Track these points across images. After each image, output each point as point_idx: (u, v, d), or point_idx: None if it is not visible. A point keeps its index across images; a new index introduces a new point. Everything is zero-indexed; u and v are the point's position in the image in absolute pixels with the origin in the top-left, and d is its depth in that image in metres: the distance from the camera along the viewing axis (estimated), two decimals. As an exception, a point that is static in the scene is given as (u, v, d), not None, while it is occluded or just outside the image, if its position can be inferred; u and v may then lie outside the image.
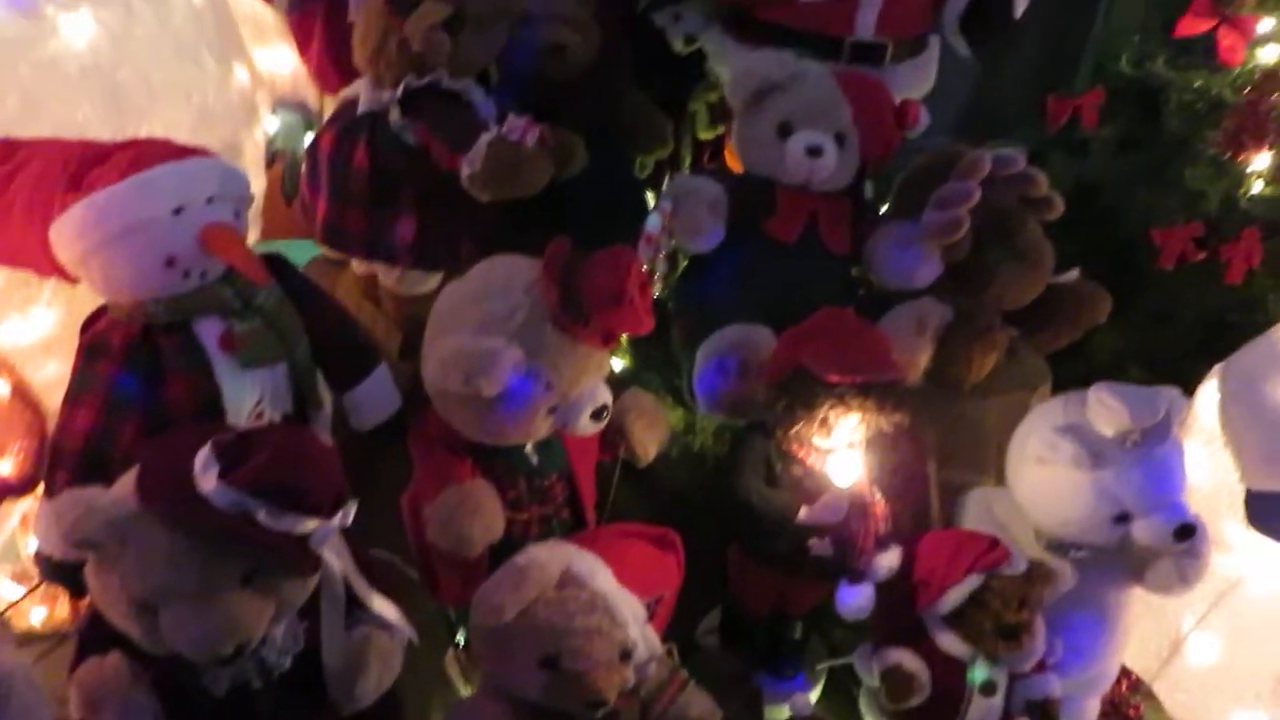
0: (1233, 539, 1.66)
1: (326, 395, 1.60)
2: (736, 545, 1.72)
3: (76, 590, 1.27)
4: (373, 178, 1.75)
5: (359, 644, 1.30)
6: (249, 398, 1.43)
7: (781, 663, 1.81)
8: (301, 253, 2.01)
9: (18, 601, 1.62)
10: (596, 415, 1.46)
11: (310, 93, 2.15)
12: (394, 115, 1.71)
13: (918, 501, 1.84)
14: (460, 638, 1.68)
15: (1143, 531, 1.48)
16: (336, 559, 1.31)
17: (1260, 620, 1.69)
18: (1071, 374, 2.01)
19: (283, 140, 2.14)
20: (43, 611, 1.69)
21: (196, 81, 1.67)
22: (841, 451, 1.51)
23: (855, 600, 1.54)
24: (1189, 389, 1.73)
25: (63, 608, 1.69)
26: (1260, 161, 2.04)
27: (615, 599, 1.30)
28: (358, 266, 2.01)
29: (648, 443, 1.56)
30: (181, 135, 1.60)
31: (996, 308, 1.85)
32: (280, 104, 2.15)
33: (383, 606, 1.36)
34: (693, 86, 2.27)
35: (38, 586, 1.57)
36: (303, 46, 2.09)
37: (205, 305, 1.39)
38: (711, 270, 1.87)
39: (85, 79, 1.50)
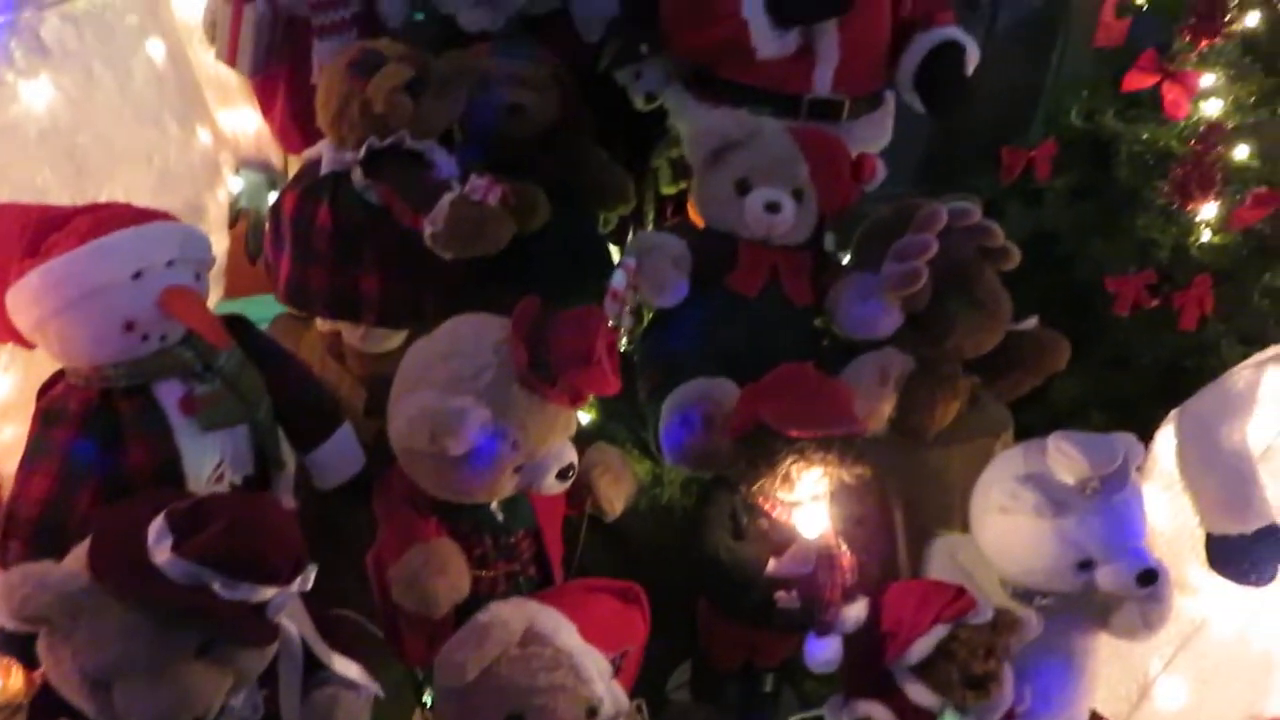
0: (1196, 581, 1.67)
1: (289, 456, 1.59)
2: (705, 599, 1.72)
3: (29, 662, 1.24)
4: (335, 237, 1.75)
5: (326, 705, 1.28)
6: (209, 461, 1.42)
7: (753, 716, 1.80)
8: (266, 310, 2.00)
9: (-31, 673, 1.58)
10: (562, 475, 1.46)
11: (274, 152, 2.17)
12: (357, 176, 1.72)
13: (885, 551, 1.84)
14: (428, 698, 1.66)
15: (1106, 578, 1.49)
16: (295, 622, 1.29)
17: (1226, 662, 1.70)
18: (1033, 420, 2.03)
19: (247, 199, 2.16)
20: (-4, 682, 1.65)
21: (157, 144, 1.68)
22: (807, 504, 1.52)
23: (824, 653, 1.53)
24: (1149, 433, 1.76)
25: (16, 679, 1.64)
26: (1208, 211, 2.10)
27: (580, 655, 1.29)
28: (322, 324, 2.00)
29: (614, 498, 1.56)
30: (142, 198, 1.60)
31: (957, 356, 1.88)
32: (244, 164, 2.16)
33: (345, 666, 1.34)
34: (655, 143, 2.30)
35: (-11, 657, 1.53)
36: (266, 108, 2.11)
37: (165, 368, 1.39)
38: (676, 324, 1.88)
39: (45, 143, 1.51)
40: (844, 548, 1.58)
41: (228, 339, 1.42)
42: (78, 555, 1.15)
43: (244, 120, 2.12)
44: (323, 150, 1.80)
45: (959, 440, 1.90)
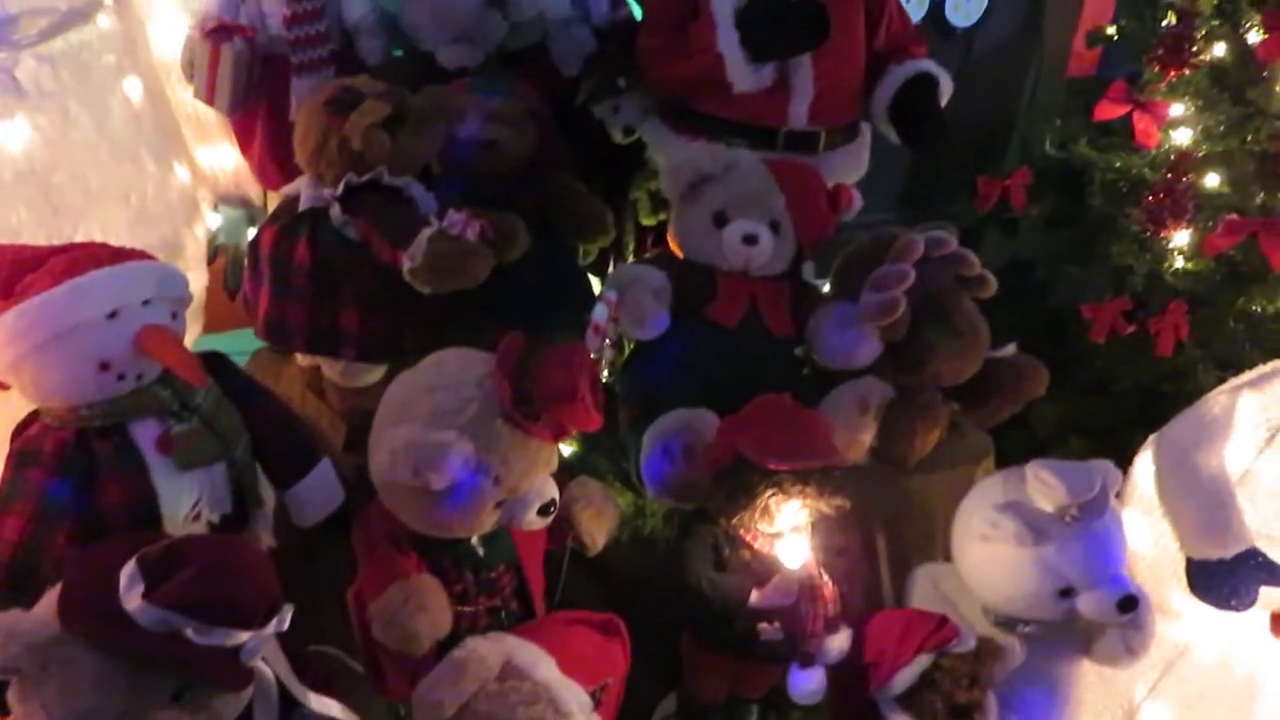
0: (1179, 606, 1.67)
1: (268, 493, 1.58)
2: (689, 630, 1.71)
3: (1, 709, 1.22)
4: (314, 273, 1.75)
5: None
6: (186, 500, 1.41)
7: (739, 749, 1.78)
8: (245, 344, 2.00)
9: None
10: (544, 511, 1.45)
11: (253, 189, 2.17)
12: (335, 212, 1.72)
13: (868, 580, 1.84)
14: (409, 734, 1.64)
15: (1087, 605, 1.49)
16: (270, 663, 1.28)
17: (1210, 687, 1.70)
18: (1014, 446, 2.05)
19: (225, 235, 2.16)
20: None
21: (135, 182, 1.68)
22: (788, 536, 1.52)
23: (807, 684, 1.53)
24: (1128, 458, 1.77)
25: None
26: (1180, 238, 2.12)
27: (559, 689, 1.28)
28: (301, 359, 2.00)
29: (595, 532, 1.56)
30: (119, 236, 1.60)
31: (937, 384, 1.89)
32: (223, 200, 2.17)
33: (323, 705, 1.33)
34: (634, 175, 2.31)
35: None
36: (244, 145, 2.12)
37: (141, 407, 1.38)
38: (656, 355, 1.88)
39: (21, 184, 1.51)
40: (826, 578, 1.58)
41: (205, 377, 1.42)
42: (49, 602, 1.13)
43: (222, 157, 2.13)
44: (301, 186, 1.80)
45: (940, 468, 1.91)
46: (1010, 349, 1.94)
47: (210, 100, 1.96)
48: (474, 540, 1.50)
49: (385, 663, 1.50)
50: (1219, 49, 2.11)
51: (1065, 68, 3.06)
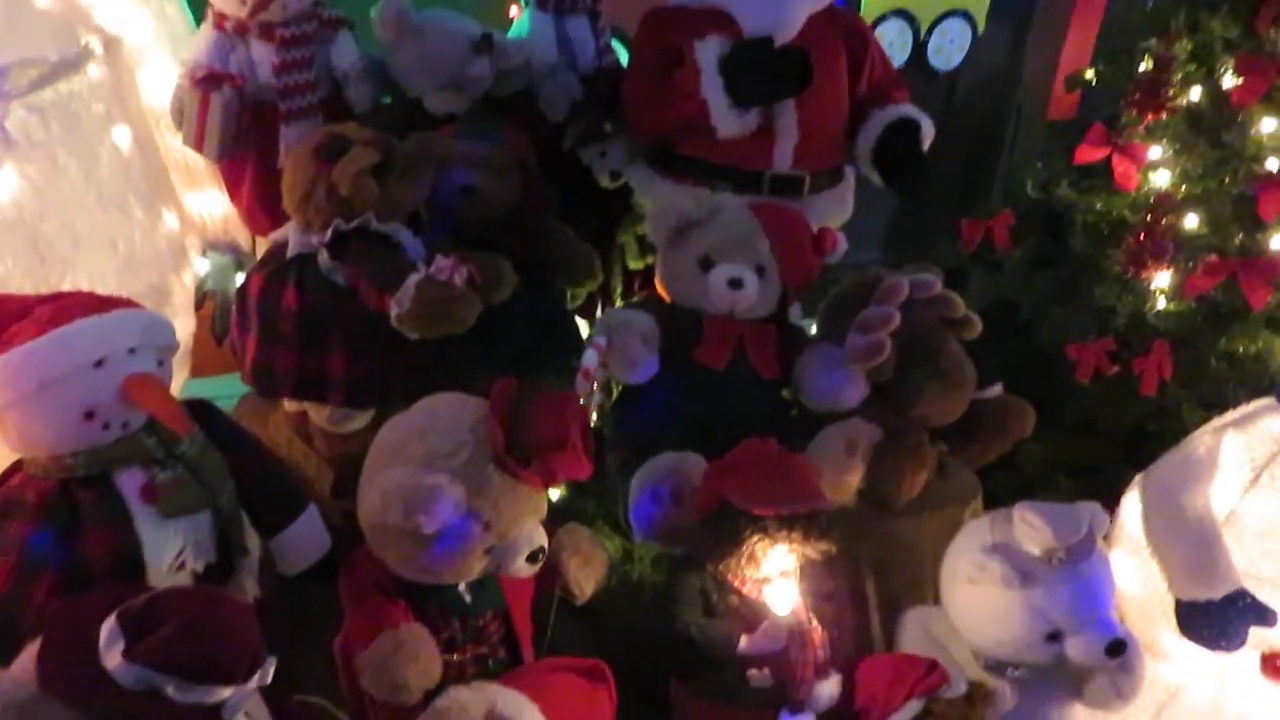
0: (1169, 647, 1.67)
1: (253, 541, 1.57)
2: (677, 677, 1.69)
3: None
4: (301, 318, 1.75)
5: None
6: (170, 549, 1.40)
7: (729, 797, 1.75)
8: (232, 388, 1.99)
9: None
10: (532, 558, 1.45)
11: (241, 234, 2.18)
12: (323, 258, 1.73)
13: (858, 624, 1.83)
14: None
15: (1075, 649, 1.49)
16: (253, 715, 1.26)
17: (1202, 728, 1.69)
18: (1002, 487, 2.05)
19: (213, 281, 2.16)
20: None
21: (122, 229, 1.69)
22: (776, 581, 1.51)
23: (798, 731, 1.52)
24: (1117, 497, 1.77)
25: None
26: (1162, 279, 2.14)
27: (545, 737, 1.27)
28: (289, 404, 1.99)
29: (583, 581, 1.55)
30: (107, 283, 1.61)
31: (924, 425, 1.89)
32: (211, 246, 2.17)
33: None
34: (621, 219, 2.33)
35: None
36: (233, 191, 2.13)
37: (126, 456, 1.37)
38: (644, 398, 1.89)
39: (8, 232, 1.51)
40: (815, 623, 1.57)
41: (190, 425, 1.41)
42: (28, 659, 1.12)
43: (211, 203, 2.14)
44: (289, 232, 1.81)
45: (929, 509, 1.90)
46: (997, 389, 1.95)
47: (199, 148, 1.97)
48: (461, 587, 1.49)
49: (372, 713, 1.48)
50: (1195, 93, 2.14)
51: (1046, 111, 3.12)
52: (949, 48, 3.32)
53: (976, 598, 1.53)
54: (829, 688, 1.52)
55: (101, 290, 1.48)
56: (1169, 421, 2.15)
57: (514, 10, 2.44)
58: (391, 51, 2.12)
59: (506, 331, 1.85)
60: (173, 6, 1.98)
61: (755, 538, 1.46)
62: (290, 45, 1.97)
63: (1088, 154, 2.18)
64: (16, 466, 1.39)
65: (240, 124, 1.98)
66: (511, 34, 2.32)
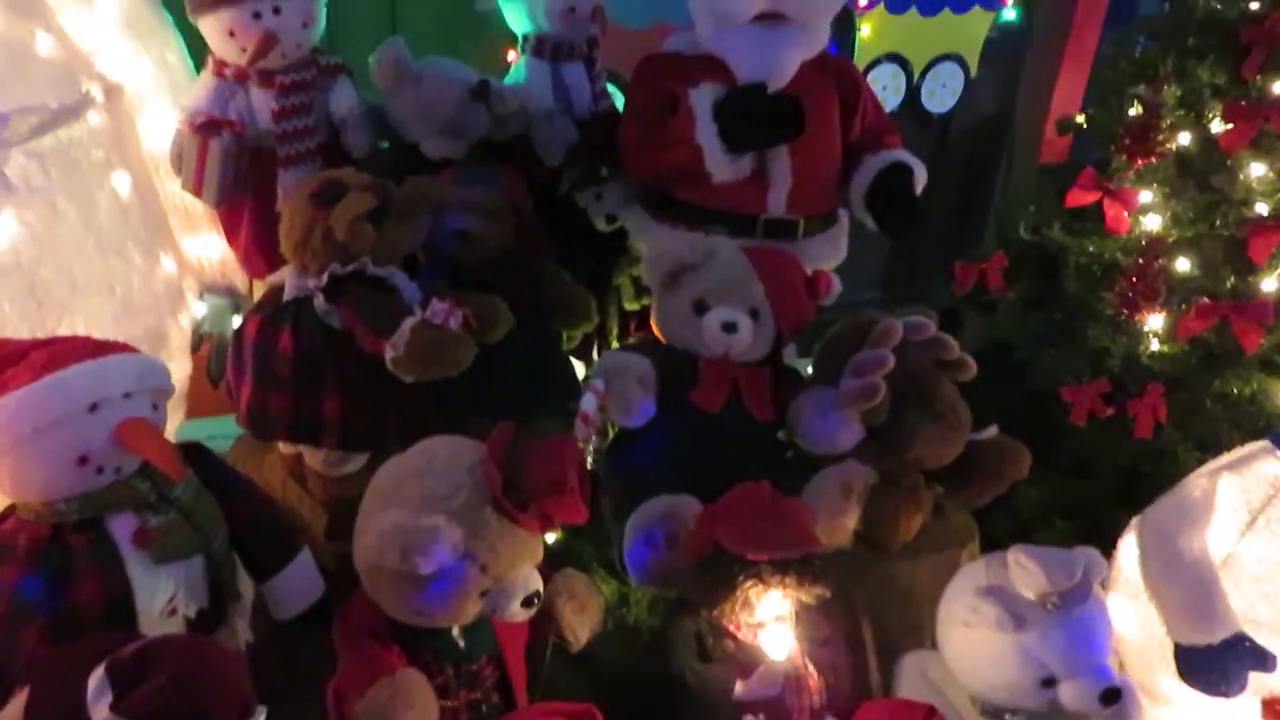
0: (1168, 692, 1.66)
1: (246, 585, 1.56)
2: (674, 723, 1.68)
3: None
4: (297, 362, 1.76)
5: None
6: (162, 594, 1.39)
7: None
8: (228, 429, 1.99)
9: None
10: (528, 602, 1.45)
11: (239, 277, 2.19)
12: (319, 301, 1.73)
13: (855, 668, 1.82)
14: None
15: (1069, 695, 1.47)
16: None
17: (1204, 775, 1.67)
18: (999, 528, 2.04)
19: (210, 324, 2.17)
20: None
21: (120, 274, 1.70)
22: (771, 626, 1.50)
23: (795, 778, 1.50)
24: (1114, 538, 1.77)
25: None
26: (1155, 321, 2.15)
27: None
28: (284, 446, 1.99)
29: (578, 628, 1.55)
30: (104, 327, 1.61)
31: (919, 468, 1.89)
32: (209, 289, 2.18)
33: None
34: (617, 261, 2.35)
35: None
36: (231, 235, 2.14)
37: (119, 501, 1.37)
38: (640, 441, 1.88)
39: (6, 277, 1.52)
40: (811, 668, 1.57)
41: (184, 469, 1.41)
42: (15, 709, 1.11)
43: (209, 246, 2.15)
44: (286, 276, 1.82)
45: (925, 552, 1.90)
46: (992, 431, 1.95)
47: (198, 193, 1.99)
48: (455, 632, 1.49)
49: (365, 759, 1.47)
50: (1184, 138, 2.16)
51: (1038, 154, 3.15)
52: (942, 91, 3.37)
53: (971, 641, 1.52)
54: (825, 734, 1.51)
55: (98, 334, 1.48)
56: (1165, 463, 2.15)
57: (511, 54, 2.47)
58: (389, 97, 2.14)
59: (502, 374, 1.86)
60: (174, 54, 2.01)
61: (749, 583, 1.45)
62: (289, 92, 2.00)
63: (1079, 198, 2.20)
64: (9, 511, 1.39)
65: (239, 169, 2.00)
66: (508, 80, 2.35)
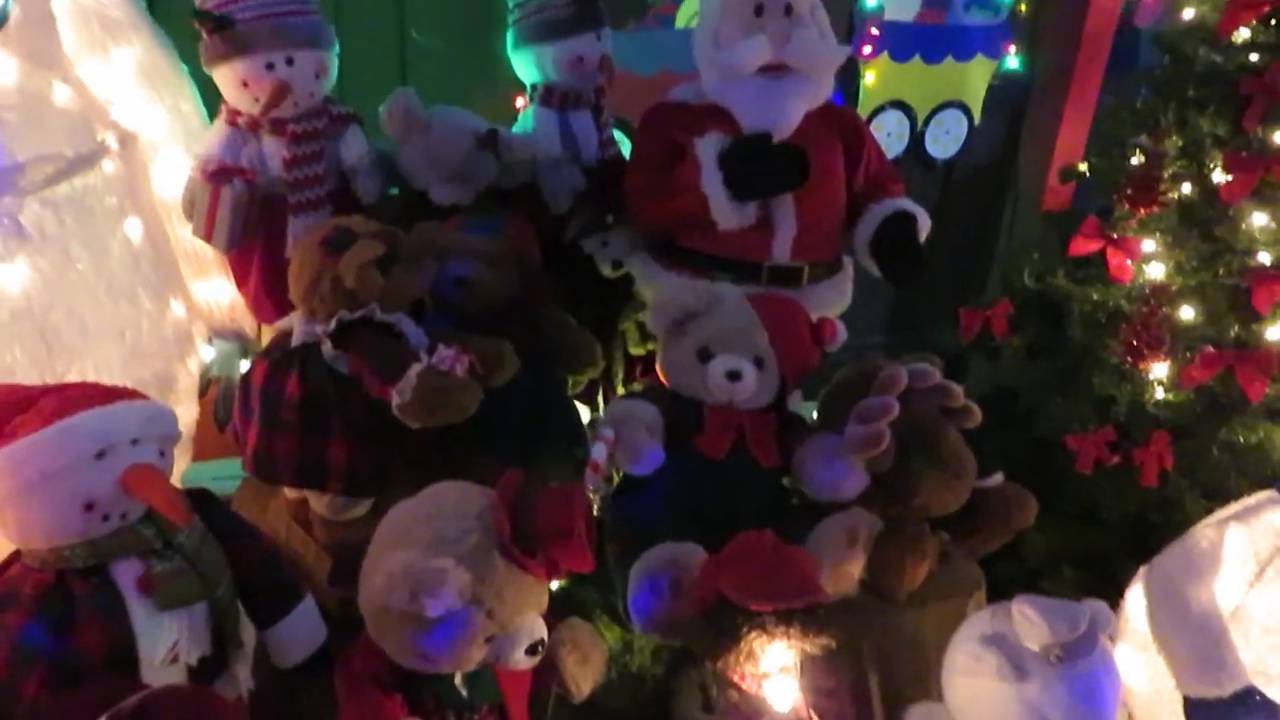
0: (1178, 746, 1.64)
1: (248, 632, 1.55)
2: (678, 774, 1.66)
3: None
4: (303, 407, 1.76)
5: None
6: (165, 641, 1.39)
7: None
8: (234, 471, 2.00)
9: None
10: (532, 650, 1.44)
11: (248, 322, 2.21)
12: (327, 348, 1.74)
13: (860, 718, 1.80)
14: None
15: (1073, 749, 1.46)
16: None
17: (1217, 832, 1.64)
18: (1005, 577, 2.03)
19: (218, 368, 2.19)
20: None
21: (130, 319, 1.71)
22: (775, 676, 1.49)
23: (800, 833, 1.48)
24: (1121, 587, 1.75)
25: None
26: (1160, 369, 2.15)
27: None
28: (289, 491, 1.99)
29: (581, 679, 1.54)
30: (113, 372, 1.62)
31: (925, 515, 1.88)
32: (218, 333, 2.20)
33: None
34: (622, 306, 2.36)
35: None
36: (241, 280, 2.16)
37: (124, 547, 1.37)
38: (645, 487, 1.88)
39: (18, 323, 1.53)
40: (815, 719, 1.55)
41: (189, 515, 1.41)
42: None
43: (218, 291, 2.17)
44: (294, 321, 1.83)
45: (932, 600, 1.88)
46: (998, 478, 1.94)
47: (209, 238, 2.01)
48: (458, 680, 1.48)
49: (366, 809, 1.46)
50: (1186, 187, 2.18)
51: (1041, 201, 3.17)
52: (945, 138, 3.40)
53: (974, 690, 1.51)
54: (830, 788, 1.49)
55: (107, 379, 1.50)
56: (1172, 511, 2.14)
57: (520, 101, 2.51)
58: (399, 145, 2.17)
59: (506, 419, 1.86)
60: (188, 103, 2.04)
61: (753, 634, 1.45)
62: (300, 140, 2.03)
63: (1082, 246, 2.21)
64: (15, 556, 1.39)
65: (249, 216, 2.02)
66: (516, 128, 2.38)
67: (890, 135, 3.30)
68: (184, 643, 1.42)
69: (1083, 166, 2.51)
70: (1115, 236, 2.18)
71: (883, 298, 3.56)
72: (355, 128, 2.14)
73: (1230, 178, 2.08)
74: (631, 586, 1.72)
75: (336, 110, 2.11)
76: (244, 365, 2.15)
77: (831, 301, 2.18)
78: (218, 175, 1.97)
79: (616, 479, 2.03)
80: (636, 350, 2.40)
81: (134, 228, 1.82)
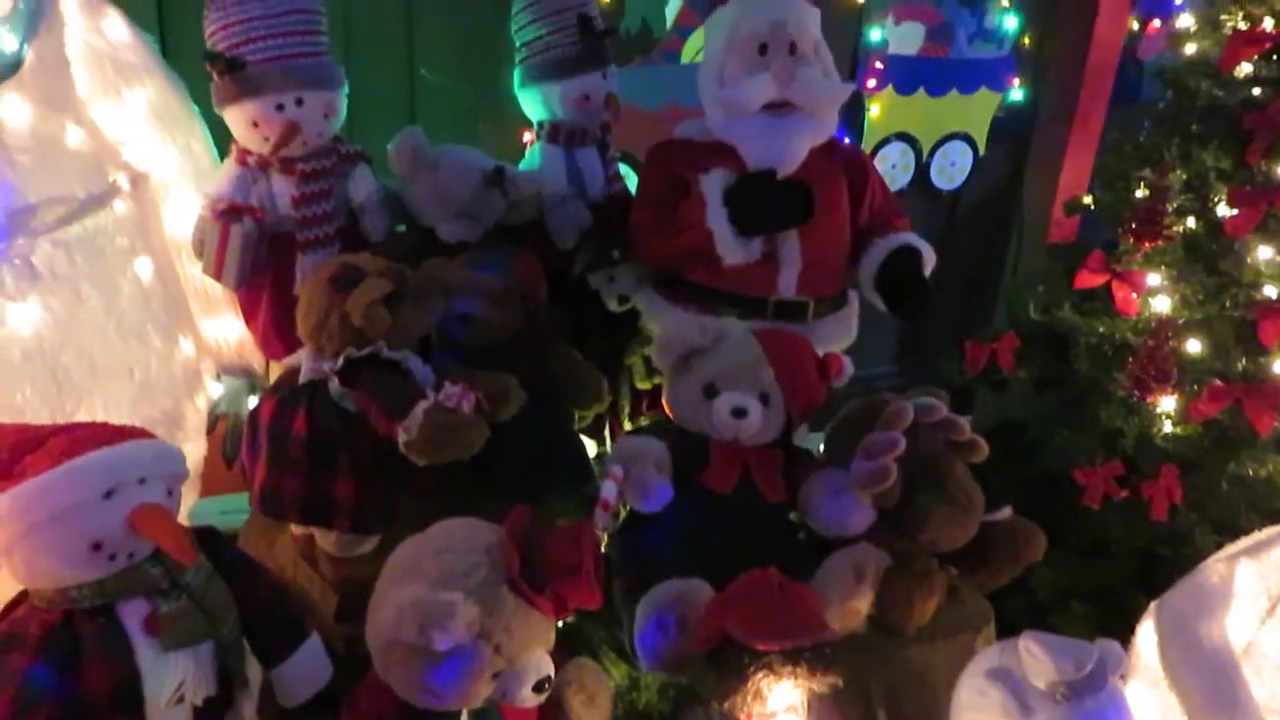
0: (1192, 787, 1.62)
1: (254, 670, 1.55)
2: (685, 815, 1.65)
3: None
4: (311, 444, 1.77)
5: None
6: (170, 682, 1.38)
7: None
8: (242, 506, 2.00)
9: None
10: (538, 688, 1.44)
11: (256, 358, 2.22)
12: (334, 385, 1.75)
13: (870, 757, 1.78)
14: None
15: (1079, 789, 1.44)
16: None
17: None
18: (1014, 611, 2.01)
19: (227, 404, 2.20)
20: None
21: (139, 357, 1.72)
22: (783, 716, 1.48)
23: None
24: (1132, 622, 1.74)
25: None
26: (1167, 403, 2.14)
27: None
28: (296, 528, 1.99)
29: (586, 720, 1.53)
30: (122, 410, 1.63)
31: (933, 550, 1.87)
32: (226, 370, 2.21)
33: None
34: (629, 341, 2.37)
35: None
36: (249, 317, 2.17)
37: (131, 587, 1.37)
38: (651, 523, 1.88)
39: (28, 363, 1.54)
40: (824, 760, 1.54)
41: (196, 555, 1.41)
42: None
43: (227, 328, 2.18)
44: (302, 358, 1.84)
45: (940, 636, 1.87)
46: (1006, 512, 1.93)
47: (218, 276, 2.02)
48: (464, 718, 1.47)
49: None
50: (1190, 221, 2.18)
51: (1046, 234, 3.18)
52: (950, 169, 3.43)
53: (980, 728, 1.50)
54: (839, 829, 1.48)
55: (116, 417, 1.50)
56: (1182, 545, 2.12)
57: (527, 136, 2.53)
58: (407, 183, 2.20)
59: (514, 454, 1.86)
60: (199, 143, 2.06)
61: (760, 673, 1.44)
62: (309, 179, 2.05)
63: (1087, 280, 2.22)
64: (22, 596, 1.39)
65: (259, 254, 2.03)
66: (524, 164, 2.41)
67: (895, 167, 3.32)
68: (190, 682, 1.41)
69: (1087, 199, 2.52)
70: (1120, 270, 2.18)
71: (888, 329, 3.56)
72: (364, 166, 2.16)
73: (1235, 212, 2.08)
74: (638, 623, 1.71)
75: (345, 149, 2.13)
76: (252, 401, 2.16)
77: (837, 336, 2.18)
78: (227, 214, 1.99)
79: (623, 514, 2.02)
80: (643, 384, 2.41)
81: (144, 267, 1.84)
